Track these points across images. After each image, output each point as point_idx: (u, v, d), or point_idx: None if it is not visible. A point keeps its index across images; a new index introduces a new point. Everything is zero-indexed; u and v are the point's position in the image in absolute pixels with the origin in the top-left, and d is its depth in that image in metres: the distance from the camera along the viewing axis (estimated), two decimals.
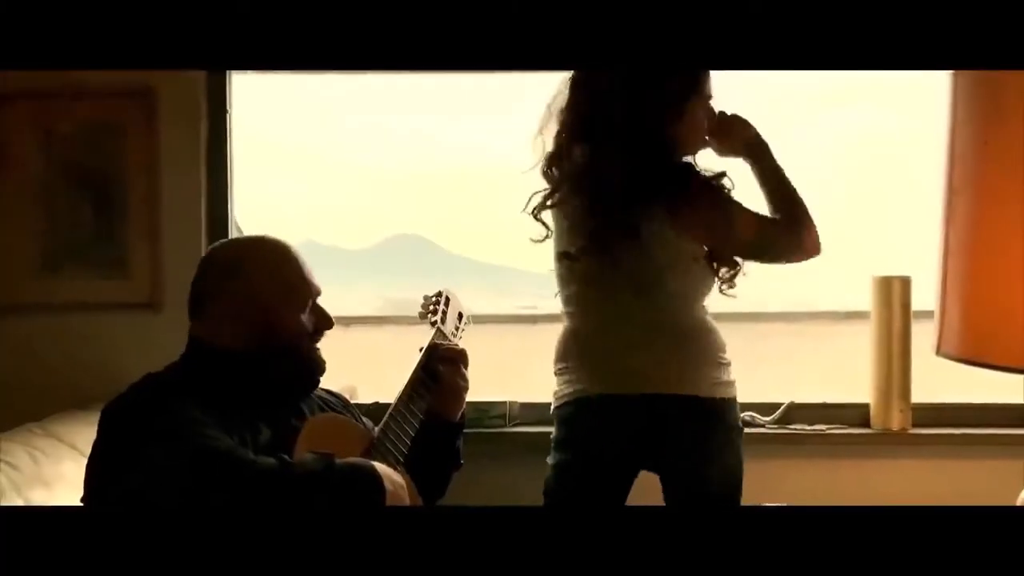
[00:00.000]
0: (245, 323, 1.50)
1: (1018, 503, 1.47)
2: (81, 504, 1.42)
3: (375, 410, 1.78)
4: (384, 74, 2.55)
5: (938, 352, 1.34)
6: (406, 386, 1.65)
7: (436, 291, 1.86)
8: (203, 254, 2.30)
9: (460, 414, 1.75)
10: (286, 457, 1.34)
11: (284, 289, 1.52)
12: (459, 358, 1.74)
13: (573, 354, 1.91)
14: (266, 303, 1.50)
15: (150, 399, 1.40)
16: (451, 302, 1.85)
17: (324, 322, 1.57)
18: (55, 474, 1.74)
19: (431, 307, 1.82)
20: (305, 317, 1.54)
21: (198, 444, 1.30)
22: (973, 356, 1.29)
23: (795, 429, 2.28)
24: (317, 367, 1.57)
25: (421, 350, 1.72)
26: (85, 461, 1.76)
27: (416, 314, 1.87)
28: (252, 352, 1.49)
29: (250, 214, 2.54)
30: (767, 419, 2.31)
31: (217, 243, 1.68)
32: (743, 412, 2.29)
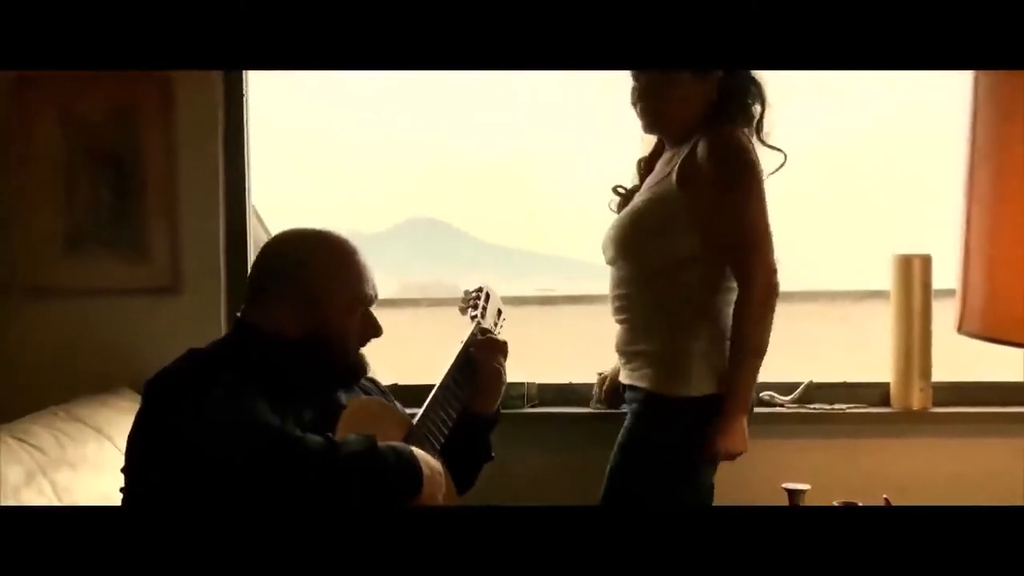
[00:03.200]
0: (296, 316, 1.49)
1: None
2: (121, 473, 1.43)
3: (392, 392, 1.79)
4: (397, 71, 2.54)
5: (960, 330, 1.33)
6: (447, 375, 1.65)
7: (476, 286, 1.87)
8: (222, 234, 2.35)
9: (496, 406, 1.75)
10: (331, 436, 1.36)
11: (339, 291, 1.52)
12: (501, 348, 1.73)
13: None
14: (320, 301, 1.50)
15: (197, 373, 1.41)
16: (491, 298, 1.86)
17: (372, 330, 1.56)
18: (79, 456, 1.76)
19: (471, 302, 1.82)
20: (355, 322, 1.53)
21: (246, 419, 1.31)
22: (995, 333, 1.28)
23: (815, 408, 2.27)
24: (358, 371, 1.57)
25: (462, 342, 1.72)
26: (108, 443, 1.79)
27: (432, 297, 1.87)
28: (297, 344, 1.49)
29: (267, 197, 2.54)
30: (787, 398, 2.30)
31: (285, 232, 1.66)
32: (764, 391, 2.29)
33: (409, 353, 1.79)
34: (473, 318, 1.78)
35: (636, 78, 1.95)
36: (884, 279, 2.31)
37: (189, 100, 2.33)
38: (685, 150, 1.91)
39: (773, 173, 1.92)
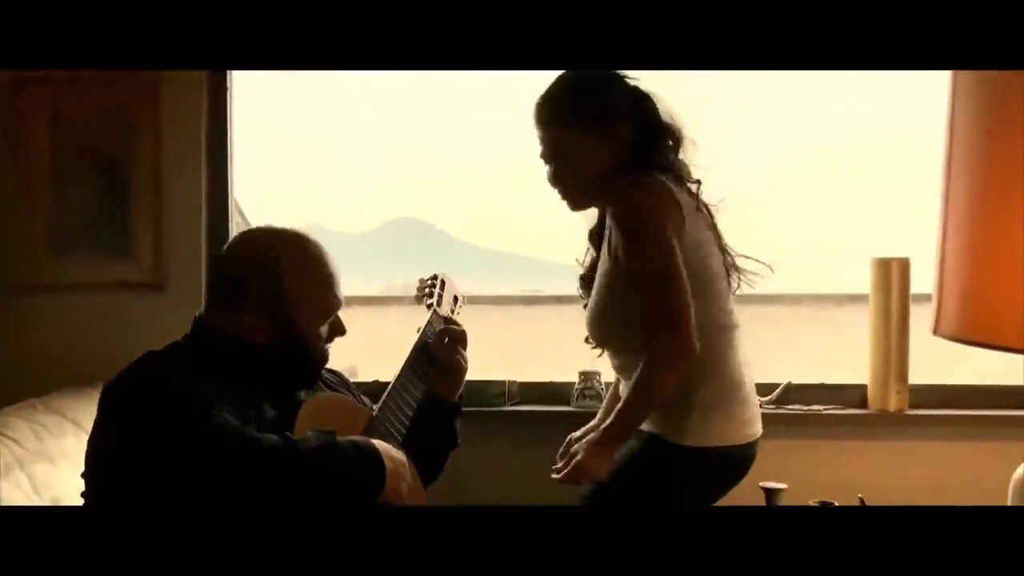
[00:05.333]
0: (268, 320, 1.49)
1: (1013, 480, 1.49)
2: (81, 478, 1.43)
3: (375, 388, 1.79)
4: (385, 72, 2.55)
5: (935, 332, 1.34)
6: (404, 365, 1.66)
7: (431, 274, 1.87)
8: (204, 233, 2.35)
9: (459, 394, 1.75)
10: (289, 435, 1.36)
11: (315, 302, 1.52)
12: (459, 338, 1.74)
13: (747, 388, 1.87)
14: (294, 308, 1.49)
15: (154, 376, 1.40)
16: (446, 285, 1.86)
17: (338, 331, 1.57)
18: (58, 450, 1.76)
19: (427, 290, 1.83)
20: (324, 328, 1.54)
21: (203, 420, 1.31)
22: (971, 336, 1.29)
23: (793, 409, 2.29)
24: (320, 365, 1.57)
25: (419, 330, 1.73)
26: (87, 437, 1.78)
27: (415, 295, 1.87)
28: (265, 347, 1.49)
29: (251, 197, 2.55)
30: (765, 399, 2.32)
31: (249, 231, 1.64)
32: None
33: (392, 350, 1.79)
34: (429, 307, 1.78)
35: (538, 131, 1.86)
36: (867, 283, 2.34)
37: (176, 101, 2.35)
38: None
39: (696, 194, 1.85)
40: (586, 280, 1.97)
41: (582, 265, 2.00)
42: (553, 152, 1.85)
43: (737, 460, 1.85)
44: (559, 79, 1.86)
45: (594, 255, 1.96)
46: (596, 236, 1.95)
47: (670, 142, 1.87)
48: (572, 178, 1.85)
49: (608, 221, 1.81)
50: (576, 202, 1.89)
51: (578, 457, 1.76)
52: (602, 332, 1.88)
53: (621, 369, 1.92)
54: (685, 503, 1.83)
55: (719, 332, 1.83)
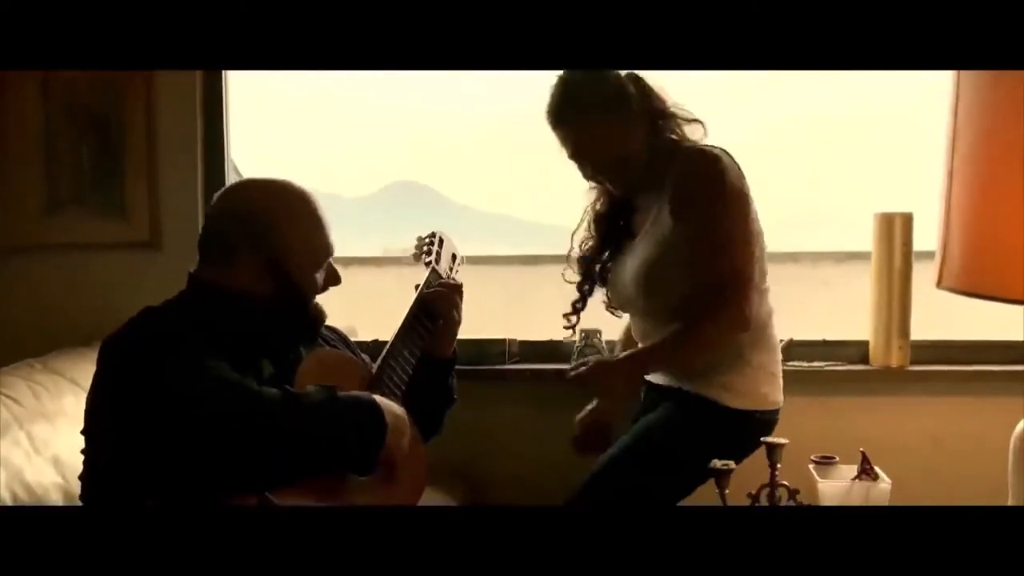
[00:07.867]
0: (264, 274, 1.47)
1: (1014, 435, 1.49)
2: (81, 435, 1.42)
3: (374, 347, 1.78)
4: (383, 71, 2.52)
5: (939, 285, 1.34)
6: (403, 323, 1.66)
7: (430, 232, 1.86)
8: (200, 191, 2.33)
9: (452, 349, 1.75)
10: (290, 388, 1.35)
11: (308, 247, 1.50)
12: (455, 291, 1.73)
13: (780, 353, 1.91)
14: (290, 259, 1.48)
15: (154, 330, 1.39)
16: (444, 243, 1.86)
17: (332, 279, 1.56)
18: (56, 409, 1.75)
19: (425, 248, 1.82)
20: (320, 275, 1.53)
21: (203, 374, 1.30)
22: (974, 288, 1.29)
23: (794, 366, 2.28)
24: (318, 321, 1.56)
25: (417, 287, 1.72)
26: (86, 396, 1.78)
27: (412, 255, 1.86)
28: (262, 301, 1.47)
29: (248, 156, 2.53)
30: None
31: (238, 184, 1.61)
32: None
33: (390, 310, 1.78)
34: (428, 264, 1.78)
35: (560, 133, 1.85)
36: (868, 241, 2.32)
37: None
38: (663, 194, 1.83)
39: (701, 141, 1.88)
40: (588, 262, 1.99)
41: (582, 249, 2.00)
42: (590, 144, 1.85)
43: (769, 423, 1.89)
44: (565, 79, 1.85)
45: (598, 240, 1.98)
46: (606, 220, 1.97)
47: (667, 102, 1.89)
48: (618, 163, 1.86)
49: (667, 192, 1.82)
50: (627, 184, 1.91)
51: (594, 367, 1.78)
52: (650, 286, 1.85)
53: (646, 335, 1.92)
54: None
55: (765, 299, 1.88)
